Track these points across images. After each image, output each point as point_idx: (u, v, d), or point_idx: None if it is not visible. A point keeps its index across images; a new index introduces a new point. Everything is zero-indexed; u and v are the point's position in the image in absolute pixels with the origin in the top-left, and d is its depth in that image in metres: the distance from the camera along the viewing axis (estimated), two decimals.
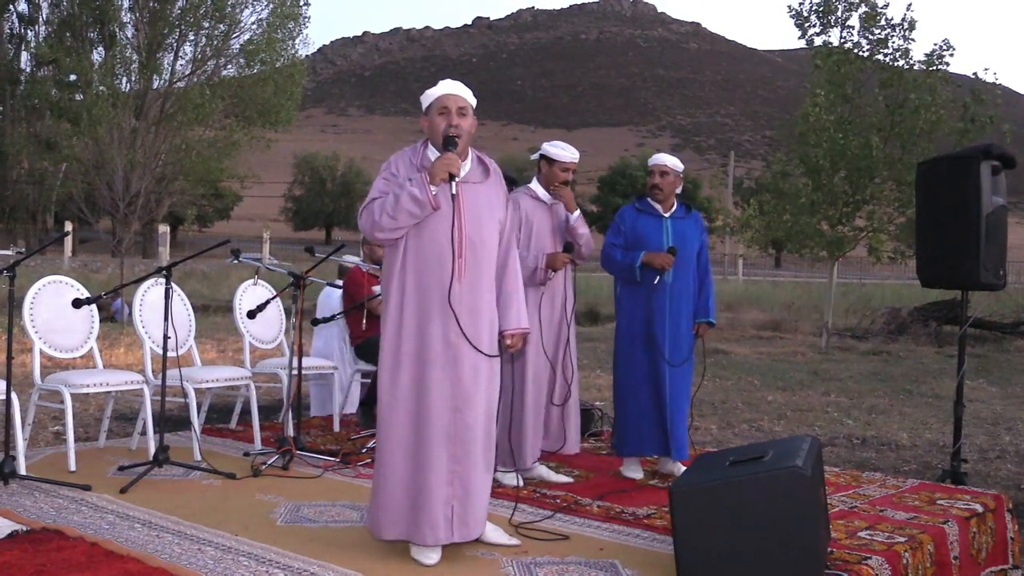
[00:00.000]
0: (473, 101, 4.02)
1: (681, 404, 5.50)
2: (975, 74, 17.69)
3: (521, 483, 5.07)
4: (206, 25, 37.27)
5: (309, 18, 38.57)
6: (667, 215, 5.56)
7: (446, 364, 3.86)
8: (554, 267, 5.30)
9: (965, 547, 4.51)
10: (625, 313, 5.52)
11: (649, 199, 5.60)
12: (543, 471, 5.36)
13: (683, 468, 5.50)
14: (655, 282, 5.38)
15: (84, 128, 28.47)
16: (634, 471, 5.53)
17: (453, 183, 3.84)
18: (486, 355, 3.95)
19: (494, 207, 4.03)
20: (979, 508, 4.83)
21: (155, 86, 37.22)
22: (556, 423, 5.44)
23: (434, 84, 4.05)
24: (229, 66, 38.30)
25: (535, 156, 5.50)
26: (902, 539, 4.22)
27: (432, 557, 3.87)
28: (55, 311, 5.45)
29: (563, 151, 5.38)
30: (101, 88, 33.43)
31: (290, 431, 5.72)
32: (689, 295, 5.55)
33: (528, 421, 5.19)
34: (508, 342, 4.09)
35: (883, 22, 17.45)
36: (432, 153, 3.99)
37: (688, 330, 5.55)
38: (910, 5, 17.51)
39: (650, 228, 5.51)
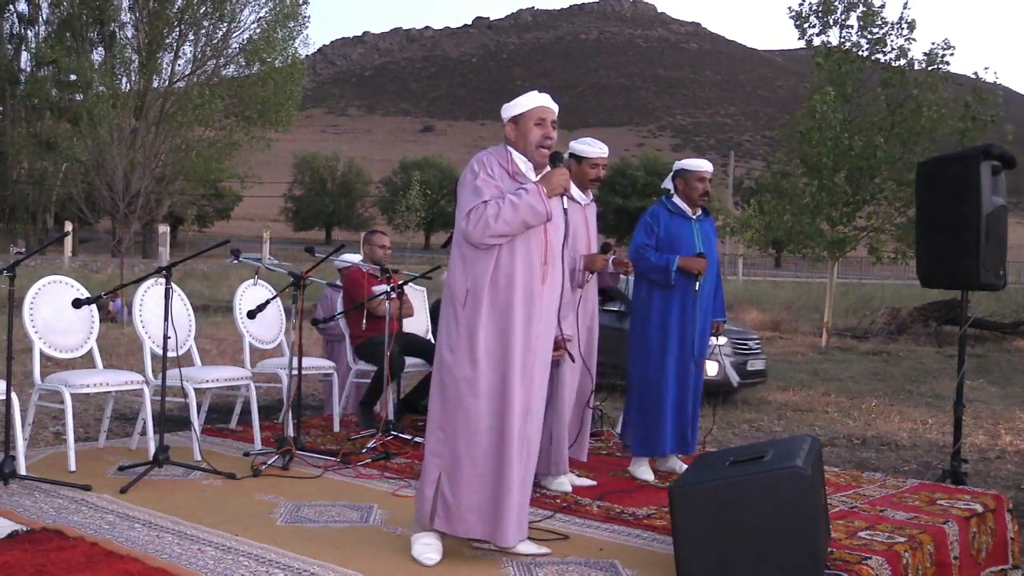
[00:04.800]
0: None
1: (699, 400, 5.66)
2: (975, 74, 17.70)
3: (569, 488, 5.12)
4: (206, 24, 37.32)
5: (309, 17, 38.59)
6: (695, 218, 5.64)
7: (524, 367, 3.90)
8: (592, 269, 5.19)
9: (965, 547, 4.51)
10: (657, 314, 5.50)
11: (679, 201, 5.61)
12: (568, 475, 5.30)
13: (684, 466, 5.54)
14: (696, 288, 5.47)
15: (84, 128, 28.50)
16: (645, 472, 5.53)
17: (564, 198, 3.95)
18: (551, 361, 4.04)
19: (562, 217, 4.14)
20: (979, 508, 4.83)
21: (155, 86, 37.24)
22: (576, 427, 5.34)
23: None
24: (229, 66, 38.37)
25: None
26: (902, 539, 4.22)
27: (433, 557, 3.86)
28: (55, 311, 5.45)
29: (591, 147, 5.30)
30: (101, 88, 33.48)
31: (290, 431, 5.72)
32: (711, 295, 5.70)
33: (566, 427, 5.13)
34: (565, 348, 4.24)
35: (880, 21, 17.48)
36: (518, 159, 4.02)
37: (708, 329, 5.69)
38: (906, 4, 17.53)
39: (682, 230, 5.57)
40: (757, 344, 10.52)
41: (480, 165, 3.96)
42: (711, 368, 9.22)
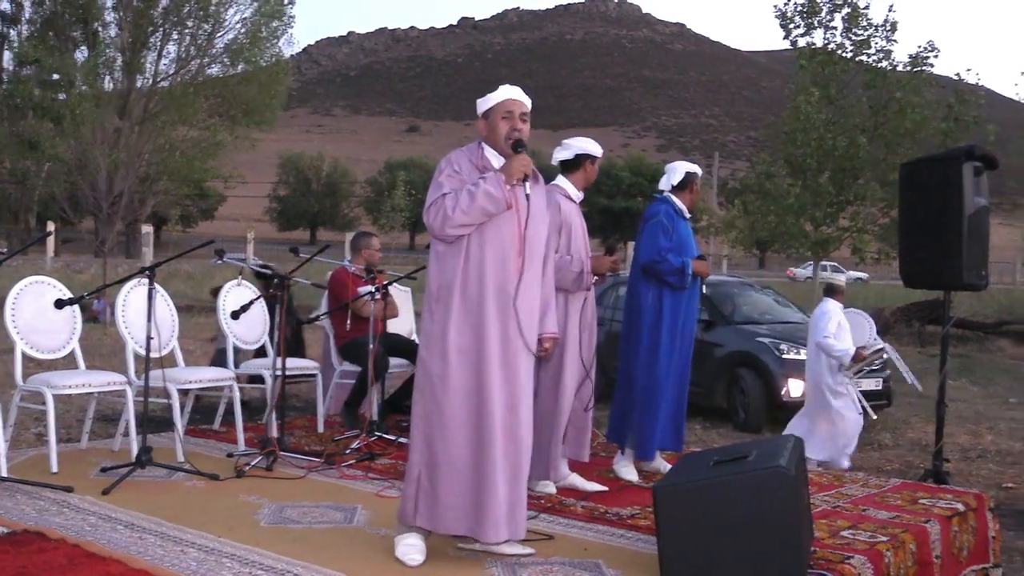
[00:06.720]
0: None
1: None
2: (958, 75, 17.82)
3: (554, 490, 5.08)
4: (190, 24, 37.11)
5: (294, 17, 38.39)
6: (687, 218, 5.71)
7: (503, 362, 3.87)
8: (600, 272, 5.14)
9: (947, 546, 4.54)
10: (668, 317, 5.49)
11: (679, 202, 5.63)
12: (575, 479, 5.25)
13: (668, 466, 5.55)
14: (704, 290, 5.65)
15: (67, 128, 28.34)
16: (629, 472, 5.53)
17: (526, 184, 3.91)
18: (535, 355, 4.01)
19: (544, 211, 4.11)
20: (961, 507, 4.86)
21: (139, 85, 37.04)
22: (578, 430, 5.28)
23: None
24: (213, 65, 38.17)
25: (568, 156, 5.23)
26: (884, 538, 4.24)
27: (417, 558, 3.86)
28: (37, 311, 5.41)
29: (597, 145, 5.26)
30: (84, 88, 33.27)
31: (274, 432, 5.70)
32: None
33: (561, 432, 5.08)
34: (546, 346, 4.19)
35: (865, 23, 17.58)
36: (490, 154, 4.01)
37: None
38: (892, 6, 17.64)
39: (685, 231, 5.63)
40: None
41: (447, 163, 3.99)
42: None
